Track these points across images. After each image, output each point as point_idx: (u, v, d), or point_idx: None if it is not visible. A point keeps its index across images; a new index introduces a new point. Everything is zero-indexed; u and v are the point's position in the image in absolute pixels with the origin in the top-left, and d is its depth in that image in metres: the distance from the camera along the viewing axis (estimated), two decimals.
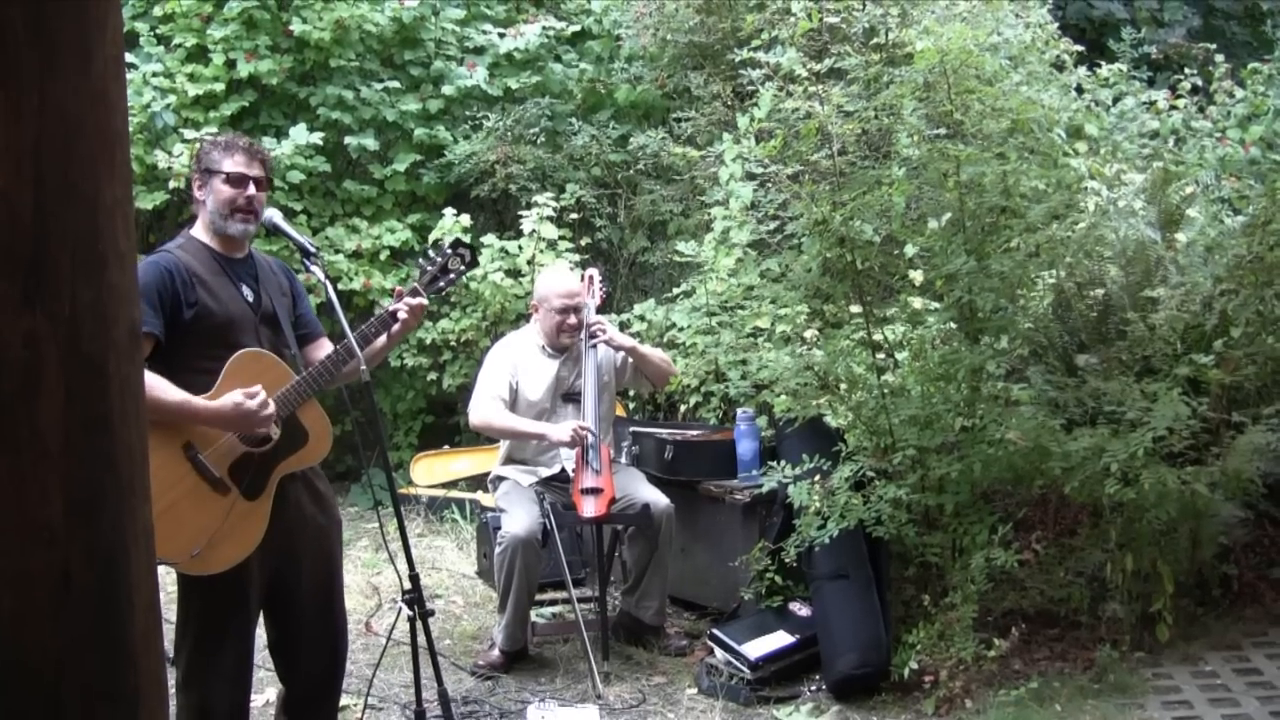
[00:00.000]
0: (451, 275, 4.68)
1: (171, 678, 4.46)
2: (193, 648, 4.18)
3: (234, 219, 4.27)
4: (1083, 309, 6.13)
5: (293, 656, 4.45)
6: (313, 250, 4.36)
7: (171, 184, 8.70)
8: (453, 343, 9.06)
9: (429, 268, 4.66)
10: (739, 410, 6.71)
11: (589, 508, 5.77)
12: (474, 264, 4.79)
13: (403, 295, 4.51)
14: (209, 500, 4.07)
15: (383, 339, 4.50)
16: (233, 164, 4.25)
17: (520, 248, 8.81)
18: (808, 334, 6.78)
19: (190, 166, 4.38)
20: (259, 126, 9.49)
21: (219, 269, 4.22)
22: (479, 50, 10.08)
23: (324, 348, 4.53)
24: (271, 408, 4.10)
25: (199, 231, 4.31)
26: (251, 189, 4.27)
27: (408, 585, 4.22)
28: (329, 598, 4.47)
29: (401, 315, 4.46)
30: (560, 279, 6.32)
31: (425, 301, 4.55)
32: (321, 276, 4.29)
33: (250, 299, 4.27)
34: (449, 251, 4.68)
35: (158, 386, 3.89)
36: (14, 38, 1.78)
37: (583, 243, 9.08)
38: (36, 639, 1.84)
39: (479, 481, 8.34)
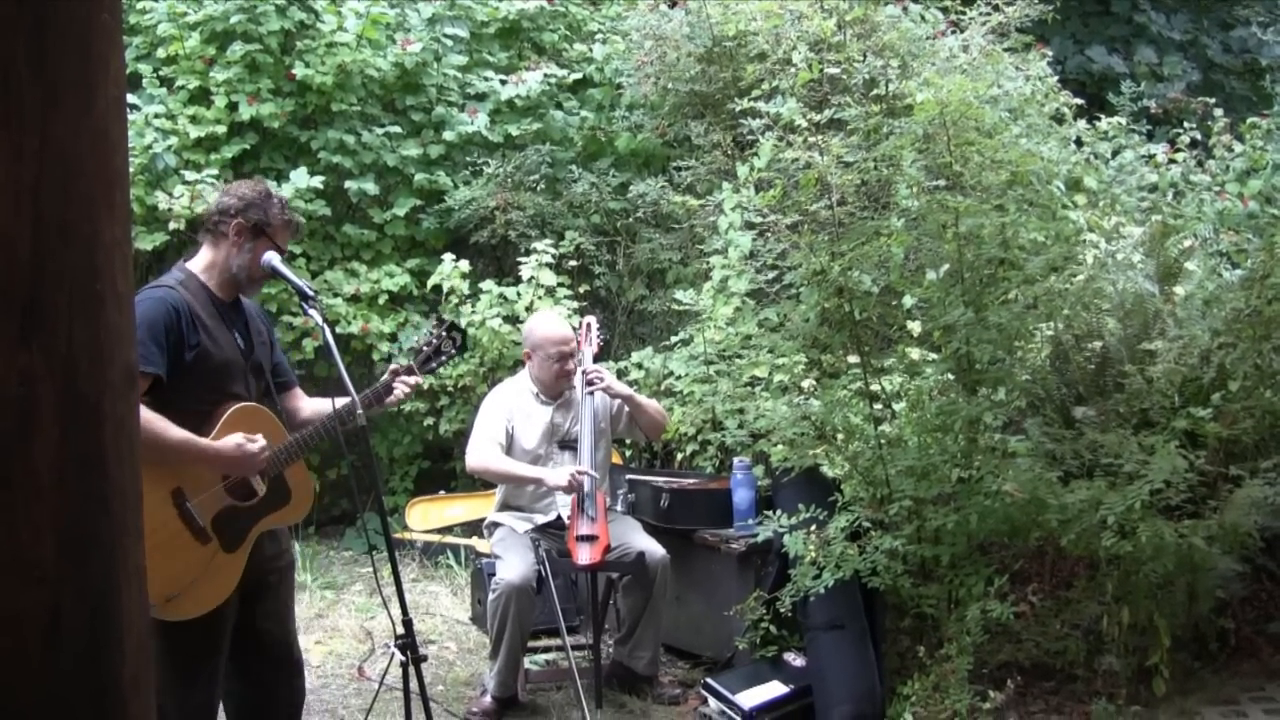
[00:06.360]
0: (443, 357, 4.82)
1: None
2: (159, 693, 4.15)
3: (257, 283, 4.37)
4: (1080, 361, 6.13)
5: (252, 695, 4.44)
6: (311, 294, 4.35)
7: (172, 225, 8.71)
8: (450, 388, 9.04)
9: (424, 348, 4.79)
10: (735, 459, 6.69)
11: (584, 555, 5.74)
12: (464, 348, 4.94)
13: (399, 373, 4.62)
14: (190, 548, 4.07)
15: (374, 408, 4.60)
16: (284, 239, 4.33)
17: (519, 294, 8.81)
18: (805, 384, 6.78)
19: (238, 203, 4.24)
20: (259, 169, 9.50)
21: (216, 312, 4.23)
22: (480, 96, 10.11)
23: (297, 397, 4.61)
24: (266, 453, 4.13)
25: (201, 269, 4.29)
26: None
27: (401, 630, 4.19)
28: (286, 634, 4.48)
29: (399, 393, 4.60)
30: (553, 326, 6.30)
31: (420, 380, 4.73)
32: (320, 320, 4.29)
33: (241, 345, 4.28)
34: (443, 334, 4.81)
35: (158, 422, 3.90)
36: (16, 77, 1.78)
37: (581, 290, 9.08)
38: (26, 678, 1.83)
39: (474, 527, 8.31)
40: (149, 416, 3.84)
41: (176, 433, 3.99)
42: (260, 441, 4.12)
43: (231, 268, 4.27)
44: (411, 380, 4.60)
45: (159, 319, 3.97)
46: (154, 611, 3.97)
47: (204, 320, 4.15)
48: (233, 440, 4.07)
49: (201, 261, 4.31)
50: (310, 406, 4.56)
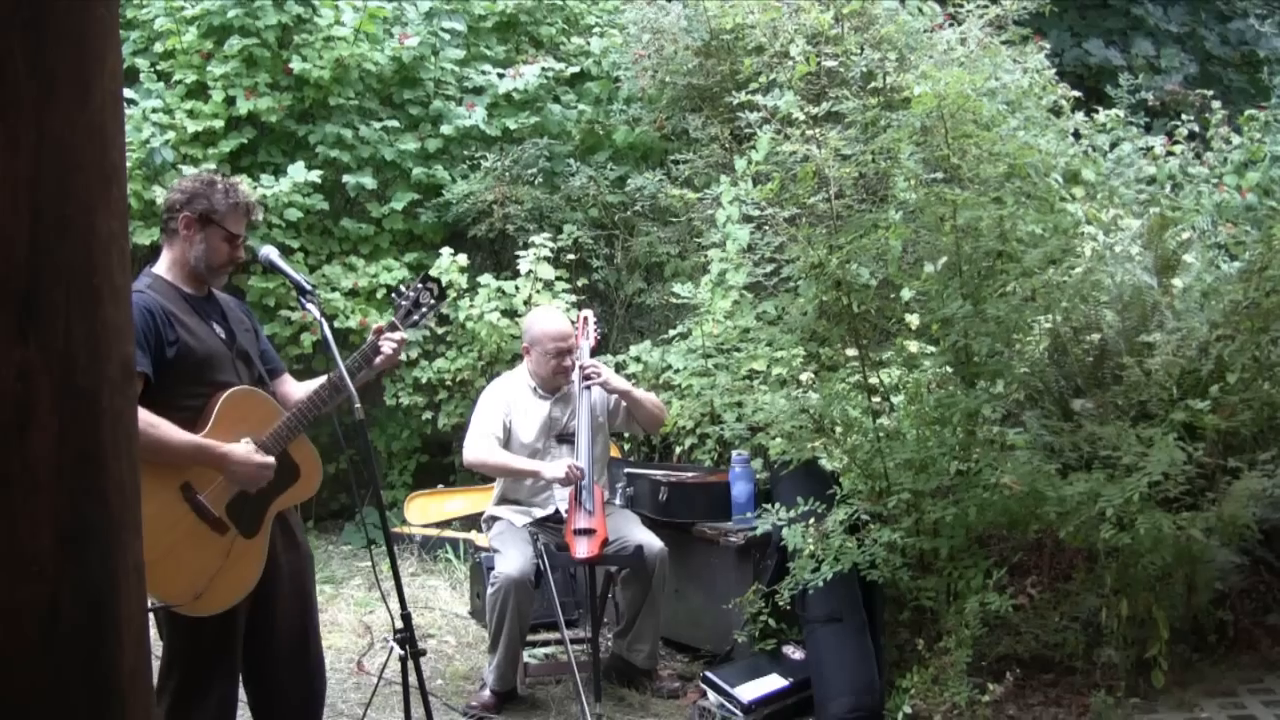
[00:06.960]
0: (424, 309, 4.72)
1: None
2: (177, 689, 4.14)
3: (220, 271, 4.33)
4: (1079, 354, 6.13)
5: (270, 691, 4.43)
6: (309, 288, 4.35)
7: None
8: (448, 382, 9.05)
9: (403, 303, 4.70)
10: (734, 452, 6.69)
11: (582, 549, 5.74)
12: (443, 296, 4.85)
13: (382, 331, 4.55)
14: (209, 540, 4.06)
15: (363, 370, 4.53)
16: (236, 223, 4.27)
17: (517, 288, 8.82)
18: (803, 377, 6.77)
19: (182, 197, 4.24)
20: (257, 164, 9.51)
21: (190, 308, 4.22)
22: (478, 90, 10.11)
23: (288, 383, 4.60)
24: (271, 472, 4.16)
25: (166, 270, 4.29)
26: (240, 246, 4.32)
27: (400, 624, 4.19)
28: (305, 630, 4.47)
29: (386, 350, 4.51)
30: (552, 321, 6.29)
31: (405, 336, 4.63)
32: (317, 314, 4.29)
33: (223, 335, 4.28)
34: (419, 286, 4.73)
35: (163, 426, 3.90)
36: (13, 72, 1.78)
37: (579, 283, 9.08)
38: (23, 673, 1.83)
39: (473, 521, 8.32)
40: (153, 422, 3.85)
41: (185, 436, 3.99)
42: (271, 461, 4.15)
43: (190, 261, 4.25)
44: (396, 336, 4.54)
45: (136, 322, 3.96)
46: (183, 609, 3.98)
47: (179, 317, 4.14)
48: (246, 447, 4.08)
49: (164, 262, 4.31)
50: (300, 390, 4.53)
